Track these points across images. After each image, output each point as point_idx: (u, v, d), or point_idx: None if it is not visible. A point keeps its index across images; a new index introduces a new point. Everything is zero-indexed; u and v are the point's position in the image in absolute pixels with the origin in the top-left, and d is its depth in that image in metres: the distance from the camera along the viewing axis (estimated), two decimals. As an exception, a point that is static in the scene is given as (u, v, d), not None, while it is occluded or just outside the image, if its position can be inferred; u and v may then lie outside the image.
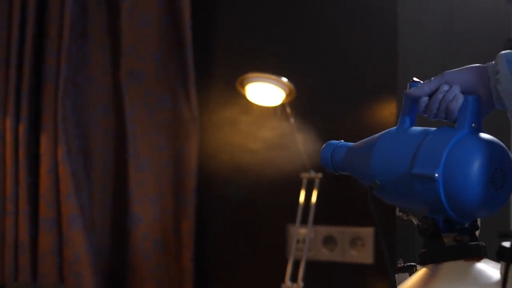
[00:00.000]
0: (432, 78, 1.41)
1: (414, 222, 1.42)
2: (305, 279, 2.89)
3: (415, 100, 1.43)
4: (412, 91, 1.43)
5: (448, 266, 1.35)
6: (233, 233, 3.31)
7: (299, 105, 2.94)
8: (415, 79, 1.44)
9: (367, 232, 2.97)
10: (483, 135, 1.36)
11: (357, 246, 3.00)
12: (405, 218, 1.45)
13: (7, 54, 3.19)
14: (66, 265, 3.17)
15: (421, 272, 1.38)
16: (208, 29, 3.35)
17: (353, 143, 1.51)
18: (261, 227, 3.22)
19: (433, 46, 3.07)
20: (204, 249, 3.34)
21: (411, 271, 1.41)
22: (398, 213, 1.45)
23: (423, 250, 1.38)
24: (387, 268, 1.37)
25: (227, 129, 3.26)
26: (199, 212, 3.30)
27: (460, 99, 1.37)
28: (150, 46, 3.28)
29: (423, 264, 1.38)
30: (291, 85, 2.82)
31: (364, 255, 2.97)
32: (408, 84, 1.45)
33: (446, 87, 1.39)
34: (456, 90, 1.38)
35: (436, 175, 1.31)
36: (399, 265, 1.42)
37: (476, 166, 1.31)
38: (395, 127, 1.44)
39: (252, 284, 3.25)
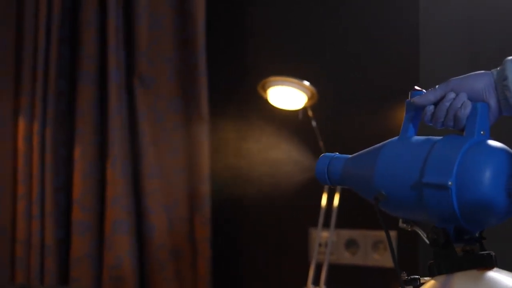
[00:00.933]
0: (437, 86, 1.40)
1: (420, 233, 1.41)
2: (327, 282, 2.89)
3: (419, 109, 1.42)
4: (417, 99, 1.41)
5: (462, 276, 1.33)
6: (255, 238, 3.31)
7: (321, 108, 2.94)
8: (417, 87, 1.44)
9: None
10: (492, 142, 1.35)
11: (380, 249, 2.99)
12: (409, 229, 1.43)
13: (34, 58, 3.22)
14: (105, 269, 3.18)
15: (431, 283, 1.36)
16: (227, 32, 3.37)
17: (350, 155, 1.49)
18: (283, 231, 3.23)
19: (455, 48, 3.06)
20: (225, 254, 3.35)
21: (415, 284, 1.38)
22: (401, 224, 1.43)
23: (432, 261, 1.36)
24: (398, 280, 1.36)
25: (246, 132, 3.26)
26: (218, 218, 3.31)
27: (469, 106, 1.36)
28: (161, 49, 3.29)
29: (433, 275, 1.36)
30: (313, 89, 2.82)
31: (387, 259, 2.97)
32: (409, 93, 1.44)
33: (452, 95, 1.38)
34: (463, 97, 1.37)
35: (450, 183, 1.29)
36: (402, 278, 1.38)
37: (489, 173, 1.29)
38: (397, 137, 1.43)
39: (274, 287, 3.26)
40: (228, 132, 3.35)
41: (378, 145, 1.44)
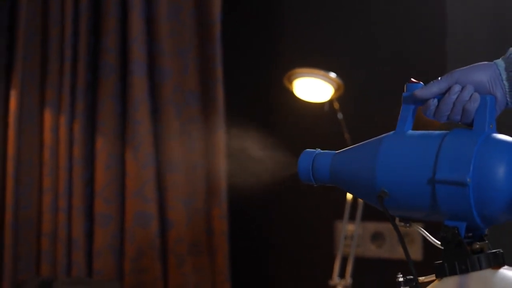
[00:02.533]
0: (440, 78, 1.34)
1: (421, 231, 1.36)
2: (353, 275, 2.88)
3: (418, 102, 1.36)
4: (420, 92, 1.35)
5: (480, 276, 1.28)
6: (280, 231, 3.31)
7: (347, 100, 2.93)
8: (413, 79, 1.38)
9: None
10: (502, 136, 1.30)
11: (406, 242, 2.98)
12: (407, 227, 1.37)
13: (61, 50, 3.22)
14: (127, 262, 3.19)
15: (443, 284, 1.30)
16: (253, 23, 3.37)
17: (335, 151, 1.42)
18: (309, 224, 3.22)
19: (481, 39, 3.04)
20: (249, 248, 3.35)
21: (411, 285, 1.33)
22: (398, 222, 1.36)
23: (441, 261, 1.30)
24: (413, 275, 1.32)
25: (273, 123, 3.26)
26: (242, 211, 3.31)
27: (478, 99, 1.31)
28: (179, 41, 3.28)
29: (443, 275, 1.29)
30: (339, 81, 2.81)
31: (413, 252, 2.95)
32: (405, 85, 1.38)
33: (458, 87, 1.32)
34: (471, 89, 1.32)
35: (468, 180, 1.24)
36: (398, 279, 1.34)
37: (506, 168, 1.25)
38: (392, 132, 1.37)
39: (300, 281, 3.25)
40: (249, 125, 3.35)
41: (370, 141, 1.38)
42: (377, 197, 1.32)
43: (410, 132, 1.37)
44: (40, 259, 3.22)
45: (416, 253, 2.95)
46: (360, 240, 3.05)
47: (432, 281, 1.33)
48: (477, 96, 1.31)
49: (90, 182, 3.24)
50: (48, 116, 3.21)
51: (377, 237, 3.05)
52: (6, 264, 3.15)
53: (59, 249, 3.19)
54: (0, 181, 3.19)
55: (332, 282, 2.88)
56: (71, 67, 3.21)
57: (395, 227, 1.34)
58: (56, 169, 3.21)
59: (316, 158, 1.43)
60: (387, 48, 3.05)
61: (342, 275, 2.90)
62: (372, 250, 3.06)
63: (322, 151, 1.43)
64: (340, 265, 2.89)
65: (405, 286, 1.33)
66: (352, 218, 2.94)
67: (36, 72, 3.24)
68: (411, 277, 1.33)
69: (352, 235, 2.97)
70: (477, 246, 1.29)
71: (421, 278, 1.34)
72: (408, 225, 1.36)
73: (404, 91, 1.38)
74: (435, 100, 1.34)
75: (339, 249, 2.92)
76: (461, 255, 1.28)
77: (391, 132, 1.37)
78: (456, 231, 1.28)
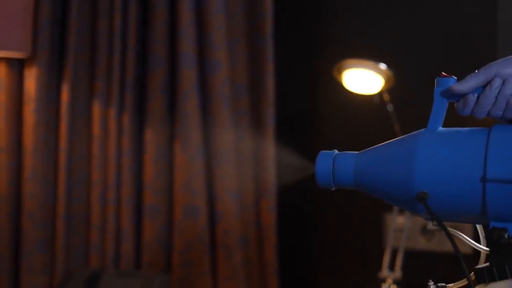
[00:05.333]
0: (477, 71, 1.28)
1: (459, 235, 1.32)
2: (403, 268, 2.86)
3: (452, 97, 1.29)
4: (458, 87, 1.27)
5: None
6: (329, 223, 3.30)
7: (397, 92, 2.91)
8: (444, 73, 1.30)
9: (467, 226, 2.92)
10: None
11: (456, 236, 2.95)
12: (439, 231, 1.34)
13: (110, 43, 3.24)
14: (176, 254, 3.20)
15: None
16: (300, 13, 3.36)
17: (356, 152, 1.33)
18: (358, 217, 3.21)
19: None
20: (298, 241, 3.35)
21: None
22: (431, 226, 1.28)
23: (486, 265, 1.25)
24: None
25: (322, 115, 3.25)
26: (291, 204, 3.30)
27: None
28: (227, 33, 3.28)
29: (492, 280, 1.24)
30: (389, 72, 2.79)
31: (463, 245, 2.92)
32: (436, 80, 1.30)
33: (499, 81, 1.26)
34: None
35: None
36: (429, 286, 1.27)
37: None
38: (424, 129, 1.29)
39: (349, 274, 3.24)
40: (299, 116, 3.34)
41: (401, 139, 1.30)
42: (417, 199, 1.24)
43: (445, 129, 1.29)
44: (89, 251, 3.24)
45: (465, 247, 2.92)
46: (410, 233, 3.03)
47: (463, 287, 1.28)
48: None
49: (138, 174, 3.25)
50: (97, 109, 3.23)
51: (426, 230, 3.02)
52: (58, 256, 3.18)
53: (108, 241, 3.21)
54: (52, 173, 3.23)
55: (381, 275, 2.86)
56: (120, 60, 3.22)
57: (443, 228, 1.26)
58: (105, 161, 3.23)
59: (336, 159, 1.33)
60: (438, 38, 3.02)
61: (391, 268, 2.88)
62: (421, 243, 3.04)
63: (340, 152, 1.34)
64: (389, 258, 2.87)
65: None
66: (401, 210, 2.92)
67: (86, 64, 3.26)
68: (443, 284, 1.28)
69: (401, 228, 2.95)
70: None
71: (450, 285, 1.29)
72: (440, 229, 1.27)
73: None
74: (475, 95, 1.27)
75: (388, 242, 2.90)
76: (511, 257, 1.22)
77: (423, 130, 1.29)
78: (506, 233, 1.22)
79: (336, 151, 1.34)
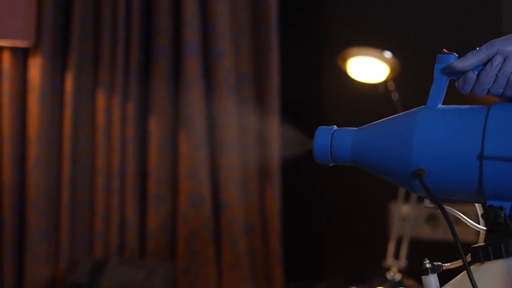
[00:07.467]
0: (478, 49, 1.27)
1: (456, 213, 1.31)
2: (407, 257, 2.86)
3: (452, 74, 1.28)
4: (458, 64, 1.26)
5: None
6: (334, 211, 3.30)
7: (402, 81, 2.90)
8: (445, 50, 1.29)
9: (472, 210, 2.91)
10: None
11: (461, 224, 2.93)
12: (436, 209, 1.28)
13: (114, 32, 3.23)
14: (180, 243, 3.20)
15: (487, 268, 1.23)
16: (305, 2, 3.35)
17: (355, 128, 1.32)
18: (363, 205, 3.20)
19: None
20: (303, 228, 3.35)
21: (438, 271, 1.27)
22: (428, 204, 1.28)
23: (482, 244, 1.24)
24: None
25: (326, 103, 3.24)
26: (296, 191, 3.30)
27: None
28: (231, 23, 3.26)
29: (487, 259, 1.22)
30: (395, 60, 2.78)
31: (468, 233, 2.91)
32: (437, 57, 1.30)
33: (500, 59, 1.24)
34: None
35: None
36: (424, 266, 1.27)
37: None
38: (423, 106, 1.29)
39: (354, 262, 3.24)
40: (303, 105, 3.34)
41: (400, 115, 1.30)
42: (413, 175, 1.23)
43: (444, 106, 1.29)
44: (94, 239, 3.24)
45: (470, 235, 2.92)
46: (415, 222, 3.02)
47: (459, 266, 1.27)
48: None
49: (143, 163, 3.25)
50: (101, 97, 3.23)
51: (431, 219, 3.02)
52: (63, 244, 3.18)
53: (112, 229, 3.21)
54: (56, 162, 3.23)
55: (386, 264, 2.86)
56: (124, 49, 3.22)
57: (439, 205, 1.25)
58: (109, 150, 3.23)
59: (334, 134, 1.32)
60: (443, 26, 3.01)
61: (396, 256, 2.88)
62: (426, 232, 3.03)
63: (338, 127, 1.32)
64: (394, 247, 2.87)
65: (432, 272, 1.27)
66: (406, 199, 2.91)
67: (90, 53, 3.26)
68: (439, 263, 1.28)
69: (406, 216, 2.94)
70: None
71: (447, 265, 1.28)
72: (436, 207, 1.27)
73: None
74: (475, 72, 1.25)
75: (393, 230, 2.90)
76: (507, 237, 1.21)
77: (422, 106, 1.29)
78: (502, 212, 1.21)
79: (335, 127, 1.32)
